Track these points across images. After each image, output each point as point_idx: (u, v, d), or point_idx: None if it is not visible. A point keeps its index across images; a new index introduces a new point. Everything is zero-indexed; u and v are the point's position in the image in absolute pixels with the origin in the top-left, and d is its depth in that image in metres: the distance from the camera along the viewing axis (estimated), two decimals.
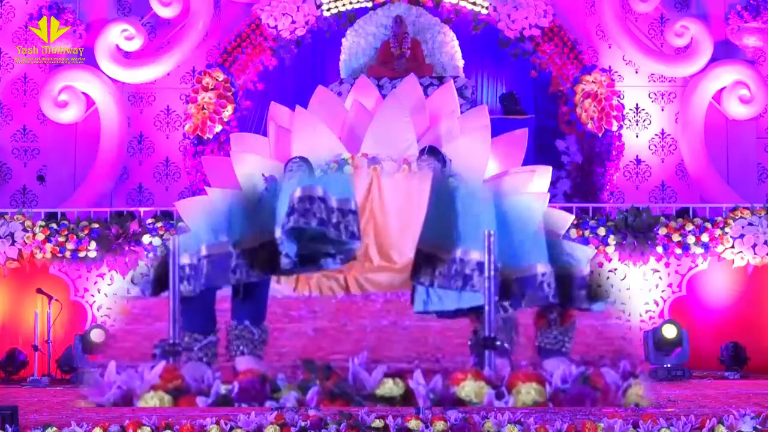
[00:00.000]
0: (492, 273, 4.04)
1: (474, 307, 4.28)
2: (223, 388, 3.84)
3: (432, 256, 4.26)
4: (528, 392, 3.79)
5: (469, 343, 4.40)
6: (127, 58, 12.00)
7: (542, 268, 4.29)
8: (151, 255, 4.78)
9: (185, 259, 4.20)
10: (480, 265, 4.13)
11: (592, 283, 4.42)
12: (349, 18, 12.14)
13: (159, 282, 4.33)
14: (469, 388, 3.82)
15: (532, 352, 4.34)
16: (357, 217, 4.31)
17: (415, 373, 3.81)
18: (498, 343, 4.07)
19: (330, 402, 3.77)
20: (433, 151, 6.30)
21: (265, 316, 4.43)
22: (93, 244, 9.85)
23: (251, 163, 8.46)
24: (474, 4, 11.96)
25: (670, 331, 9.23)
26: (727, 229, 9.71)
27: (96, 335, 9.27)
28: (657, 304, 9.92)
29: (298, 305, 5.44)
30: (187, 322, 4.30)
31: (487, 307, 4.06)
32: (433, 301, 4.28)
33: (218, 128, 11.55)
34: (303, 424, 4.85)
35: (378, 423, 4.79)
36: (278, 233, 4.13)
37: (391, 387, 3.81)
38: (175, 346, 4.06)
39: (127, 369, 3.83)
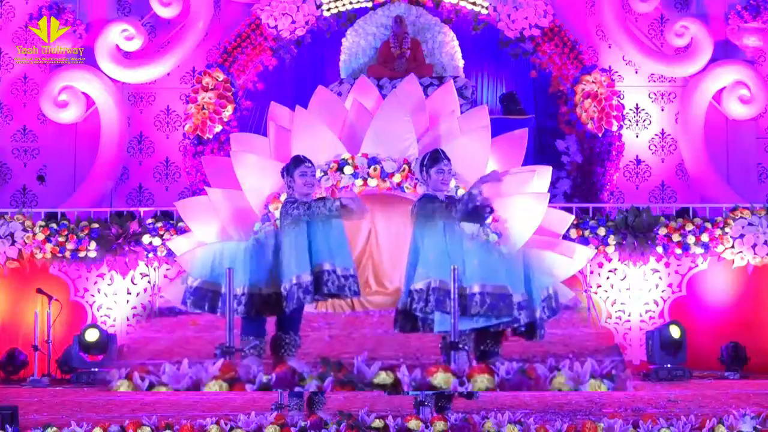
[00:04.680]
0: (456, 296, 5.15)
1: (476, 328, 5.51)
2: (264, 378, 4.98)
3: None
4: (482, 381, 4.90)
5: (440, 346, 5.49)
6: (127, 58, 12.00)
7: (477, 288, 5.34)
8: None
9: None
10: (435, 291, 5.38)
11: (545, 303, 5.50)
12: (349, 18, 12.13)
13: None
14: (439, 378, 4.91)
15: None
16: (356, 279, 5.60)
17: (401, 367, 4.95)
18: (461, 346, 5.18)
19: (340, 388, 4.96)
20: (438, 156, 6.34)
21: (299, 328, 5.68)
22: (93, 244, 9.85)
23: (251, 163, 8.47)
24: (474, 4, 11.96)
25: (675, 332, 9.22)
26: (727, 229, 9.71)
27: (91, 335, 9.26)
28: (657, 304, 9.92)
29: (318, 319, 6.86)
30: (246, 329, 5.63)
31: (452, 320, 5.15)
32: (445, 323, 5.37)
33: (218, 128, 11.55)
34: (303, 424, 4.97)
35: (378, 423, 5.02)
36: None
37: (384, 377, 4.93)
38: (230, 348, 5.29)
39: (196, 364, 5.07)
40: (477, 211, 5.67)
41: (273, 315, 5.66)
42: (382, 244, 8.61)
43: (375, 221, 8.62)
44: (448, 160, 5.78)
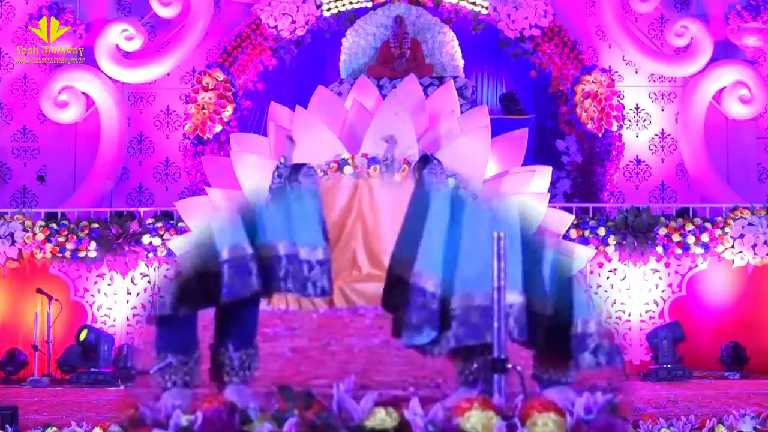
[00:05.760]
0: (502, 284, 3.34)
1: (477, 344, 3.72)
2: (184, 419, 3.13)
3: (400, 280, 3.67)
4: (545, 424, 3.10)
5: (475, 366, 3.91)
6: (127, 58, 12.00)
7: (512, 297, 3.56)
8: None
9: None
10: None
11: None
12: (349, 18, 12.13)
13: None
14: (475, 419, 3.11)
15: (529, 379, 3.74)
16: (329, 267, 3.82)
17: (411, 401, 3.14)
18: (509, 366, 3.37)
19: None
20: (428, 159, 6.31)
21: (254, 338, 3.86)
22: (93, 244, 9.85)
23: (251, 163, 8.48)
24: (474, 4, 11.96)
25: (681, 331, 9.22)
26: (727, 229, 9.70)
27: (82, 335, 9.24)
28: (657, 304, 9.91)
29: (273, 321, 4.64)
30: (167, 341, 3.76)
31: (496, 324, 3.38)
32: (425, 333, 3.67)
33: (218, 128, 11.55)
34: None
35: None
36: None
37: (383, 418, 3.12)
38: (129, 370, 3.39)
39: None
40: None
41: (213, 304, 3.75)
42: (381, 202, 6.91)
43: (370, 174, 7.22)
44: (439, 161, 5.80)
